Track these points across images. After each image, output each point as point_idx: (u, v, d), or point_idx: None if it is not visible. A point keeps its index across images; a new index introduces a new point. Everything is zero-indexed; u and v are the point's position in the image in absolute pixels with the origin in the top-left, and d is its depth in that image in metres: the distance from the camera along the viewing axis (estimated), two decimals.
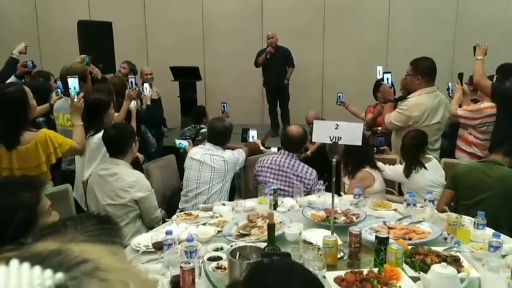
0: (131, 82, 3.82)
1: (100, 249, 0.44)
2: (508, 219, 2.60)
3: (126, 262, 0.47)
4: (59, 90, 3.58)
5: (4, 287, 0.36)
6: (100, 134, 2.90)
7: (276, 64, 6.36)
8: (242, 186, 3.68)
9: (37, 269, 0.38)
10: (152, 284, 0.60)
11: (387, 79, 3.63)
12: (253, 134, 4.11)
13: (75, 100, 2.80)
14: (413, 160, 3.05)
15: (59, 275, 0.38)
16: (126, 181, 2.63)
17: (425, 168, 3.02)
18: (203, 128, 4.42)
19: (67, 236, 0.86)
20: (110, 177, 2.66)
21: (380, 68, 4.53)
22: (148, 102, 4.33)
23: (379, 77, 4.55)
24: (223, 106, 4.48)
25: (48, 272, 0.38)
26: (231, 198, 3.33)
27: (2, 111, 2.48)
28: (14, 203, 1.43)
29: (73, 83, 2.86)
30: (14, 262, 0.38)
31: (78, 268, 0.40)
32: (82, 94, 2.84)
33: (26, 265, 0.38)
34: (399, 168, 3.15)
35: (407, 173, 3.05)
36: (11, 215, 1.40)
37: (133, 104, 3.82)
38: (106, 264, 0.42)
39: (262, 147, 3.93)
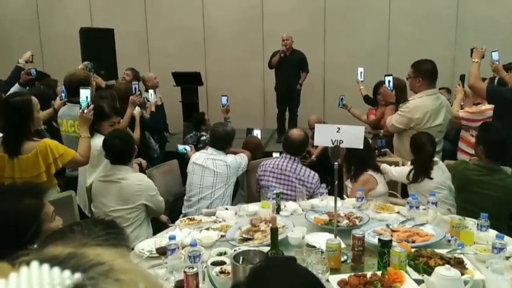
0: (135, 88, 3.84)
1: (112, 252, 0.46)
2: (505, 221, 2.63)
3: (136, 264, 0.50)
4: (63, 94, 3.60)
5: (27, 286, 0.38)
6: (102, 140, 2.90)
7: (289, 68, 6.23)
8: (245, 185, 3.68)
9: (56, 269, 0.40)
10: (160, 285, 0.63)
11: (389, 81, 3.63)
12: (257, 133, 4.15)
13: (85, 111, 2.75)
14: (426, 168, 3.01)
15: (77, 275, 0.40)
16: (133, 185, 2.67)
17: (430, 178, 3.00)
18: (203, 135, 4.43)
19: (76, 240, 0.88)
20: (116, 183, 2.67)
21: (361, 70, 4.54)
22: (153, 109, 4.35)
23: (360, 78, 4.56)
24: (225, 99, 3.95)
25: (67, 273, 0.40)
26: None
27: (6, 119, 2.51)
28: (17, 209, 1.44)
29: (85, 93, 2.78)
30: (35, 263, 0.40)
31: (94, 269, 0.42)
32: (92, 106, 2.78)
33: (45, 266, 0.40)
34: (406, 169, 3.12)
35: (414, 179, 3.01)
36: (15, 222, 1.41)
37: (137, 110, 3.83)
38: (119, 265, 0.44)
39: None
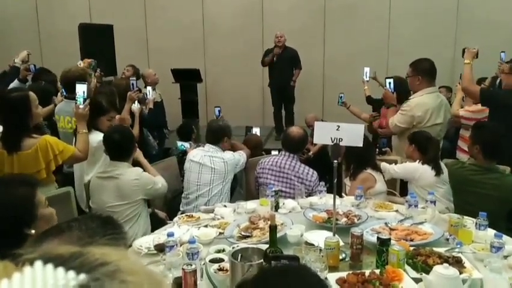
0: (133, 84, 3.84)
1: (118, 252, 0.45)
2: (504, 221, 2.63)
3: (142, 264, 0.49)
4: (63, 90, 3.59)
5: (31, 287, 0.37)
6: (99, 136, 2.89)
7: (282, 65, 6.26)
8: (243, 183, 3.68)
9: (61, 270, 0.39)
10: (164, 285, 0.62)
11: (389, 83, 3.63)
12: (256, 131, 4.16)
13: (80, 107, 2.70)
14: (438, 162, 3.05)
15: (82, 276, 0.39)
16: (130, 180, 2.66)
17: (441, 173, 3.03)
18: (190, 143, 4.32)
19: (73, 237, 0.87)
20: (114, 179, 2.67)
21: (367, 70, 4.54)
22: (151, 106, 4.34)
23: (365, 78, 4.56)
24: (218, 111, 4.02)
25: (72, 273, 0.39)
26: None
27: (4, 116, 2.49)
28: (12, 195, 1.50)
29: (81, 88, 2.74)
30: (39, 263, 0.39)
31: (99, 270, 0.41)
32: (88, 101, 2.75)
33: (49, 266, 0.39)
34: (410, 165, 3.09)
35: (438, 173, 3.00)
36: (12, 207, 1.46)
37: (136, 106, 3.82)
38: (125, 266, 0.43)
39: None
